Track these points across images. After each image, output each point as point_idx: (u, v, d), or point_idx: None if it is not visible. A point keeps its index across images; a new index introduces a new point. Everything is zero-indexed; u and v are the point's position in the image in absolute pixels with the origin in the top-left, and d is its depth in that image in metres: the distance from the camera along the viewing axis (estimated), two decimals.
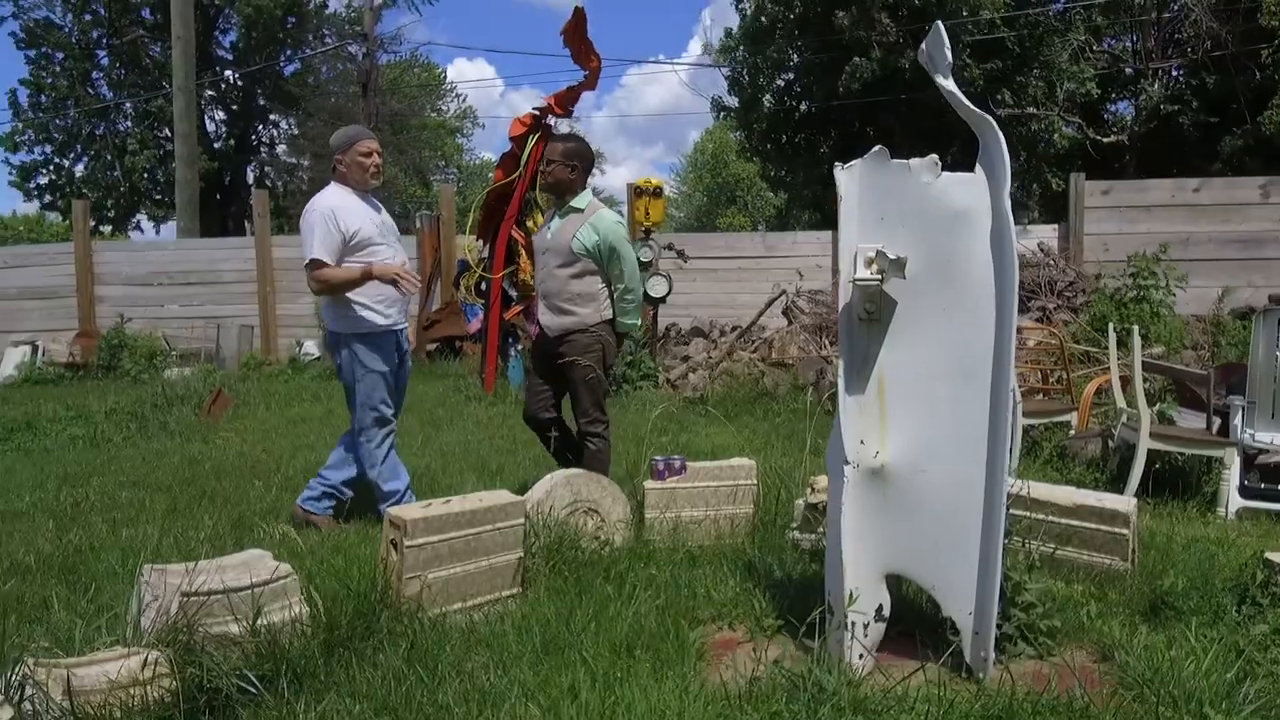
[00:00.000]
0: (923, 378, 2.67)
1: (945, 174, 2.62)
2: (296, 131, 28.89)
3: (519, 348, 8.98)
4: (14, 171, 27.34)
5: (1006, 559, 2.79)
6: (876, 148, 2.70)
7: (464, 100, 40.83)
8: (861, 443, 2.71)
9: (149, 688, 2.13)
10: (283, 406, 8.71)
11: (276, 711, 2.18)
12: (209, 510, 4.35)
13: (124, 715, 2.04)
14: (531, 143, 8.53)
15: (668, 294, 9.04)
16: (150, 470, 5.44)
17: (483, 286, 8.67)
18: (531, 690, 2.32)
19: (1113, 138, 14.61)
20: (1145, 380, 6.40)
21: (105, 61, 27.41)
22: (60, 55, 26.47)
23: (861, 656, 2.63)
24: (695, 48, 77.50)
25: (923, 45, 2.70)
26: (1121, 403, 5.08)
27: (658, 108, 69.63)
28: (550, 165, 4.24)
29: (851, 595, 2.64)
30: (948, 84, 2.65)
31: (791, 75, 16.51)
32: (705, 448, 5.95)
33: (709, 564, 3.41)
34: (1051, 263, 9.26)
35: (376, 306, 4.08)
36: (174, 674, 2.19)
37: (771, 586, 3.17)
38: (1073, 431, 5.43)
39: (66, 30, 26.79)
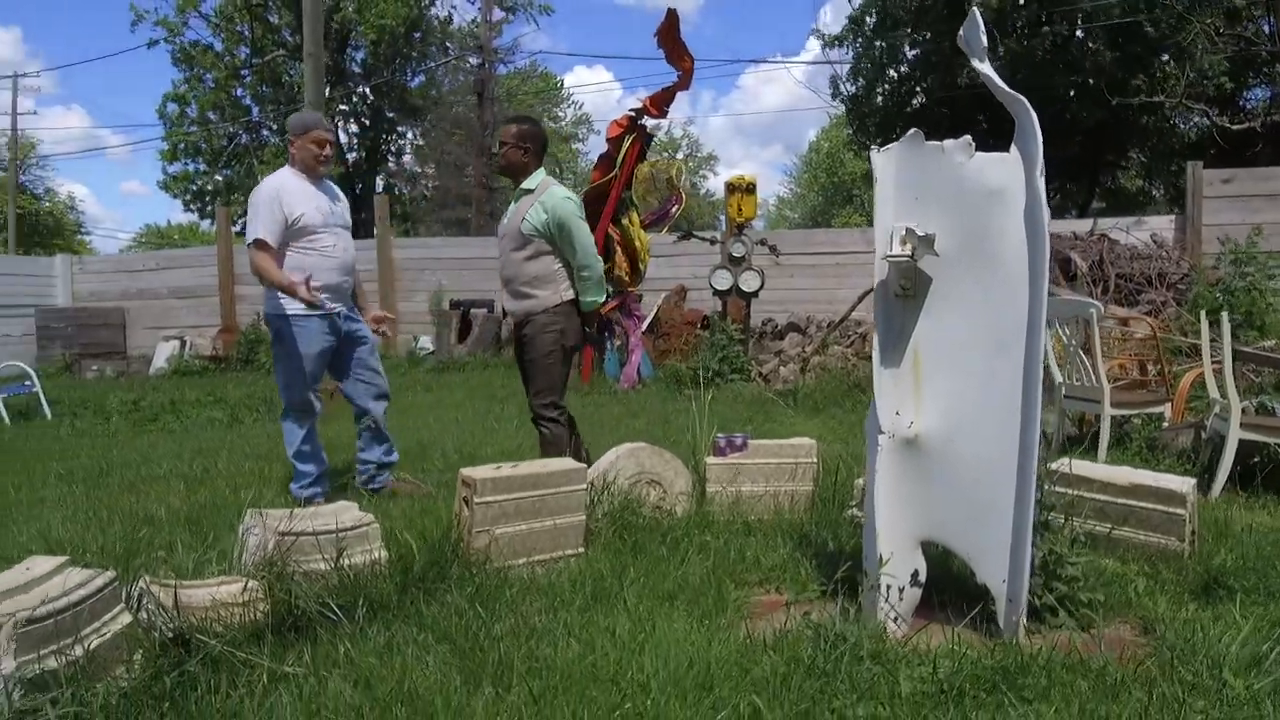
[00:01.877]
0: (957, 351, 2.76)
1: (979, 154, 2.71)
2: (420, 142, 30.26)
3: (615, 342, 9.28)
4: (170, 181, 29.77)
5: (1050, 534, 2.85)
6: (912, 130, 2.81)
7: (580, 107, 41.76)
8: (896, 413, 2.82)
9: (246, 608, 2.48)
10: (396, 395, 9.25)
11: (350, 634, 2.49)
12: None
13: (223, 629, 2.39)
14: (627, 143, 8.86)
15: (759, 289, 9.16)
16: (273, 446, 5.99)
17: None
18: (574, 628, 2.56)
19: (1244, 125, 13.76)
20: (1255, 373, 6.14)
21: (249, 78, 29.48)
22: (209, 75, 28.62)
23: (897, 620, 2.75)
24: (815, 45, 76.62)
25: (961, 30, 2.80)
26: (1215, 393, 4.91)
27: (775, 109, 69.21)
28: (502, 148, 4.12)
29: (883, 559, 2.76)
30: (983, 67, 2.74)
31: (905, 67, 16.28)
32: (786, 436, 6.05)
33: (764, 534, 3.57)
34: (1165, 254, 8.87)
35: (320, 291, 4.12)
36: (267, 598, 2.53)
37: (822, 556, 3.30)
38: (1166, 423, 5.28)
39: (216, 51, 28.96)
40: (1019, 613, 2.64)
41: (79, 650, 2.04)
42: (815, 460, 3.96)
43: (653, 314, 11.20)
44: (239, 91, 29.38)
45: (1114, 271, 8.57)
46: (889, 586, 2.77)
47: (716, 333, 8.96)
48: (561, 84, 39.56)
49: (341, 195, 4.52)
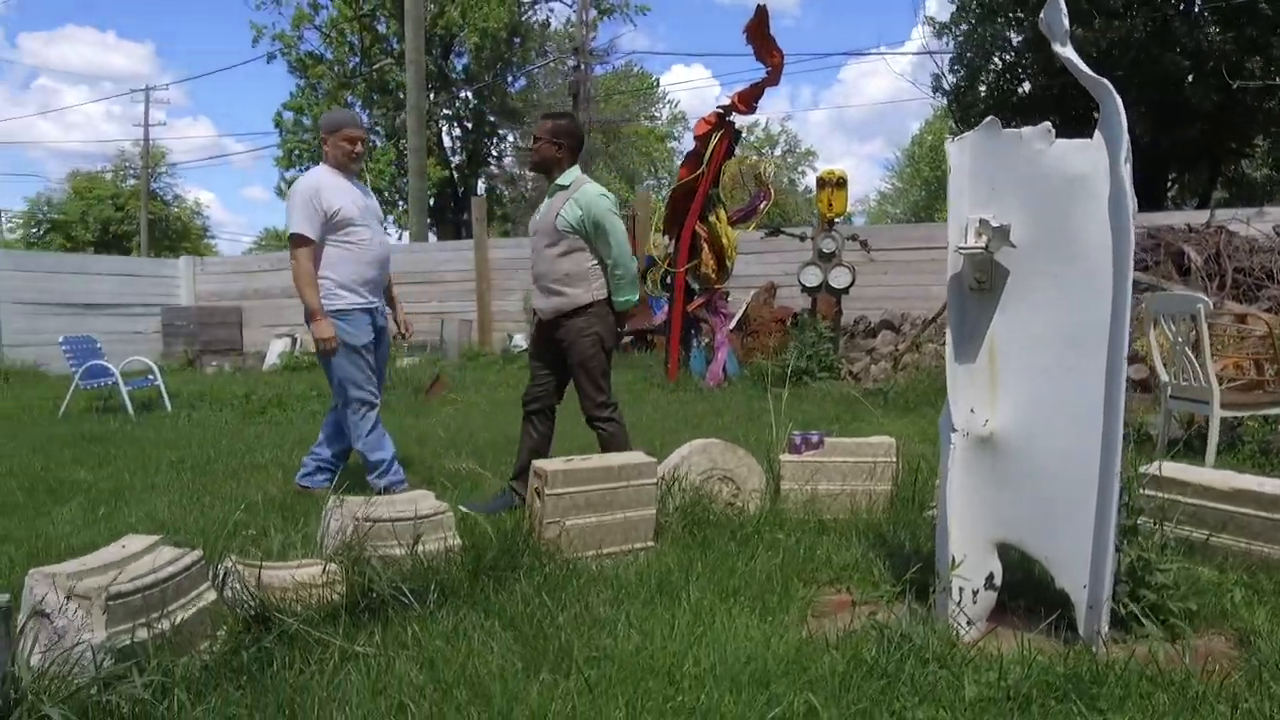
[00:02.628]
0: (1035, 347, 2.66)
1: (1059, 141, 2.60)
2: (521, 144, 30.87)
3: (701, 339, 9.28)
4: (287, 187, 31.23)
5: (1139, 539, 2.72)
6: (989, 118, 2.72)
7: (676, 105, 41.83)
8: (971, 411, 2.74)
9: (324, 590, 2.60)
10: (490, 391, 9.53)
11: (420, 617, 2.58)
12: (407, 470, 4.96)
13: (301, 608, 2.51)
14: (715, 140, 8.88)
15: (850, 285, 9.00)
16: None
17: (668, 280, 9.08)
18: (635, 620, 2.58)
19: None
20: None
21: (358, 85, 30.69)
22: (321, 84, 29.93)
23: (968, 623, 2.67)
24: (918, 35, 74.50)
25: (1041, 14, 2.69)
26: None
27: (877, 102, 67.69)
28: (536, 143, 4.04)
29: (955, 561, 2.68)
30: (1065, 51, 2.62)
31: (1010, 55, 15.69)
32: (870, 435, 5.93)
33: (838, 533, 3.51)
34: None
35: (351, 285, 4.23)
36: (344, 580, 2.64)
37: (897, 556, 3.23)
38: None
39: (328, 60, 30.25)
40: (1100, 621, 2.52)
41: (166, 624, 2.17)
42: (894, 459, 3.87)
43: (741, 311, 11.14)
44: (350, 98, 30.60)
45: (1231, 266, 8.05)
46: (961, 589, 2.69)
47: (805, 330, 8.84)
48: (657, 83, 39.73)
49: (371, 193, 4.58)
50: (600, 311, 3.97)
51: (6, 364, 11.86)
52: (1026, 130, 2.65)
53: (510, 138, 33.88)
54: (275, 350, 13.37)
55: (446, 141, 31.17)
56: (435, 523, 3.00)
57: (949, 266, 2.79)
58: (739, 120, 8.88)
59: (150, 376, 8.79)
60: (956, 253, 2.71)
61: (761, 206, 8.89)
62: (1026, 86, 15.31)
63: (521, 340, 12.71)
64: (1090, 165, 2.56)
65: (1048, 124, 2.63)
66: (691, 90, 66.10)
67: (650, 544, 3.39)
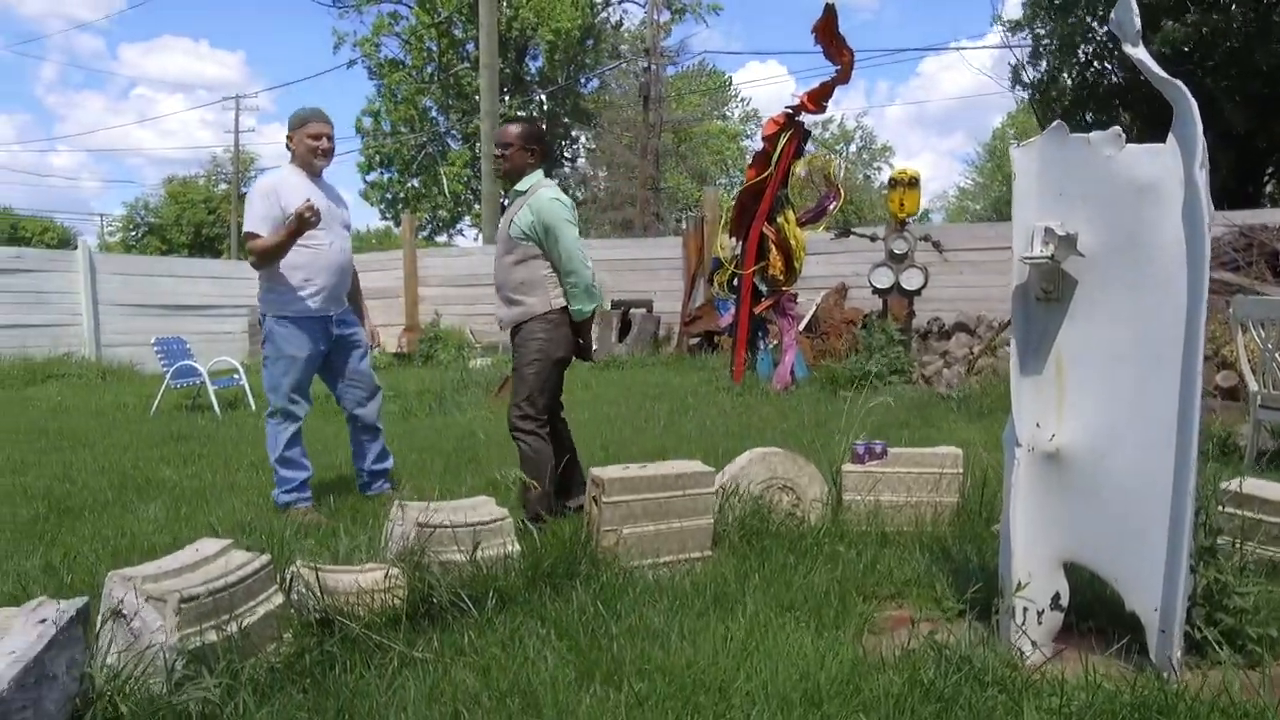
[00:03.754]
0: (1105, 359, 2.56)
1: (1130, 146, 2.50)
2: (592, 145, 31.14)
3: (768, 341, 9.20)
4: (369, 190, 32.18)
5: (1217, 560, 2.60)
6: (1055, 123, 2.64)
7: (748, 103, 41.55)
8: (1037, 425, 2.66)
9: (386, 594, 2.67)
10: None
11: (478, 624, 2.63)
12: (473, 472, 5.06)
13: (364, 612, 2.58)
14: (783, 141, 8.79)
15: (923, 287, 8.81)
16: (438, 439, 6.39)
17: (735, 282, 9.03)
18: (688, 633, 2.58)
19: None
20: None
21: (434, 88, 31.37)
22: (398, 90, 30.69)
23: (1032, 646, 2.59)
24: (998, 27, 72.39)
25: (1113, 13, 2.59)
26: None
27: (955, 96, 66.06)
28: (507, 150, 3.81)
29: (1019, 583, 2.61)
30: (1137, 52, 2.52)
31: (1094, 46, 15.11)
32: (946, 443, 5.80)
33: (901, 546, 3.44)
34: None
35: (304, 290, 4.11)
36: (406, 585, 2.71)
37: (961, 572, 3.15)
38: None
39: (406, 66, 30.99)
40: (1173, 646, 2.42)
41: (235, 626, 2.26)
42: (960, 471, 3.78)
43: (811, 313, 11.02)
44: (426, 103, 31.31)
45: None
46: (1025, 610, 2.62)
47: (875, 332, 8.68)
48: (730, 80, 39.52)
49: (343, 197, 4.44)
50: (556, 320, 3.79)
51: (104, 363, 12.49)
52: (1095, 135, 2.55)
53: (582, 138, 34.22)
54: None
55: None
56: (494, 529, 3.05)
57: (1014, 275, 2.71)
58: (808, 120, 8.77)
59: (235, 376, 9.15)
60: (1022, 262, 2.63)
61: (831, 207, 8.77)
62: (1113, 79, 14.72)
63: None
64: (1163, 171, 2.46)
65: (1117, 129, 2.54)
66: (764, 88, 65.65)
67: (707, 553, 3.39)
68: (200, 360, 9.06)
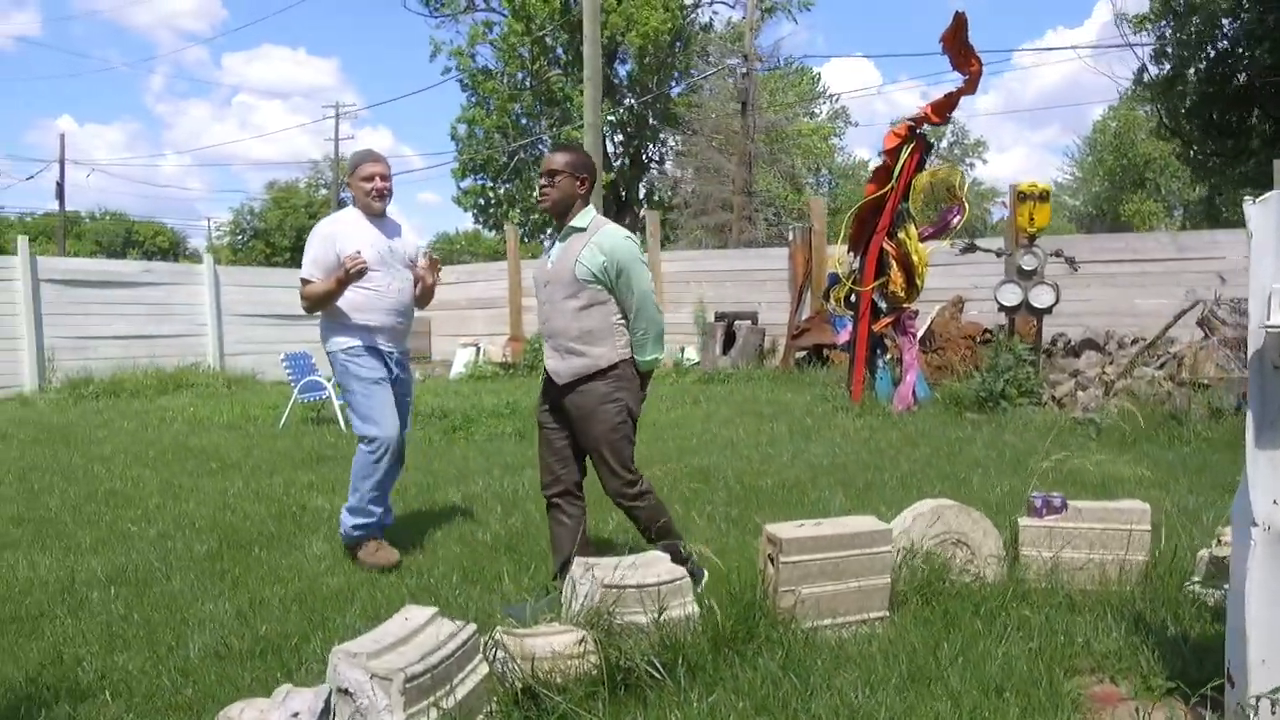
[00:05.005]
0: None
1: None
2: (681, 149, 31.07)
3: (887, 359, 8.97)
4: (462, 197, 32.82)
5: None
6: None
7: (836, 100, 40.83)
8: (1275, 502, 2.47)
9: (580, 660, 2.65)
10: (668, 408, 9.59)
11: (676, 698, 2.58)
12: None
13: (560, 679, 2.57)
14: (905, 154, 8.56)
15: (1054, 305, 8.46)
16: None
17: (852, 298, 8.83)
18: (898, 716, 2.48)
19: None
20: None
21: (526, 94, 31.78)
22: (491, 99, 31.18)
23: None
24: (1100, 14, 69.58)
25: None
26: None
27: (1051, 86, 63.75)
28: (555, 178, 3.42)
29: (1256, 675, 2.42)
30: None
31: (1225, 43, 14.32)
32: (1094, 478, 5.55)
33: (1090, 611, 3.27)
34: None
35: (364, 330, 4.09)
36: (599, 652, 2.69)
37: (1162, 643, 2.98)
38: None
39: (497, 74, 31.48)
40: None
41: (451, 700, 2.27)
42: (1148, 528, 3.57)
43: (925, 326, 10.72)
44: (517, 110, 31.73)
45: None
46: (1259, 702, 2.43)
47: (1002, 352, 8.37)
48: (819, 78, 38.92)
49: (408, 236, 4.35)
50: (626, 374, 3.42)
51: (228, 372, 13.03)
52: None
53: (670, 141, 34.18)
54: (461, 359, 14.02)
55: (609, 147, 31.79)
56: (676, 588, 3.00)
57: (1250, 341, 2.52)
58: (929, 132, 8.53)
59: None
60: (1260, 330, 2.44)
61: (955, 221, 8.49)
62: (1243, 77, 13.92)
63: (693, 353, 12.76)
64: None
65: None
66: (853, 86, 64.50)
67: (884, 614, 3.28)
68: (321, 373, 9.34)
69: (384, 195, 4.18)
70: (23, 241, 11.94)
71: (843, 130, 41.65)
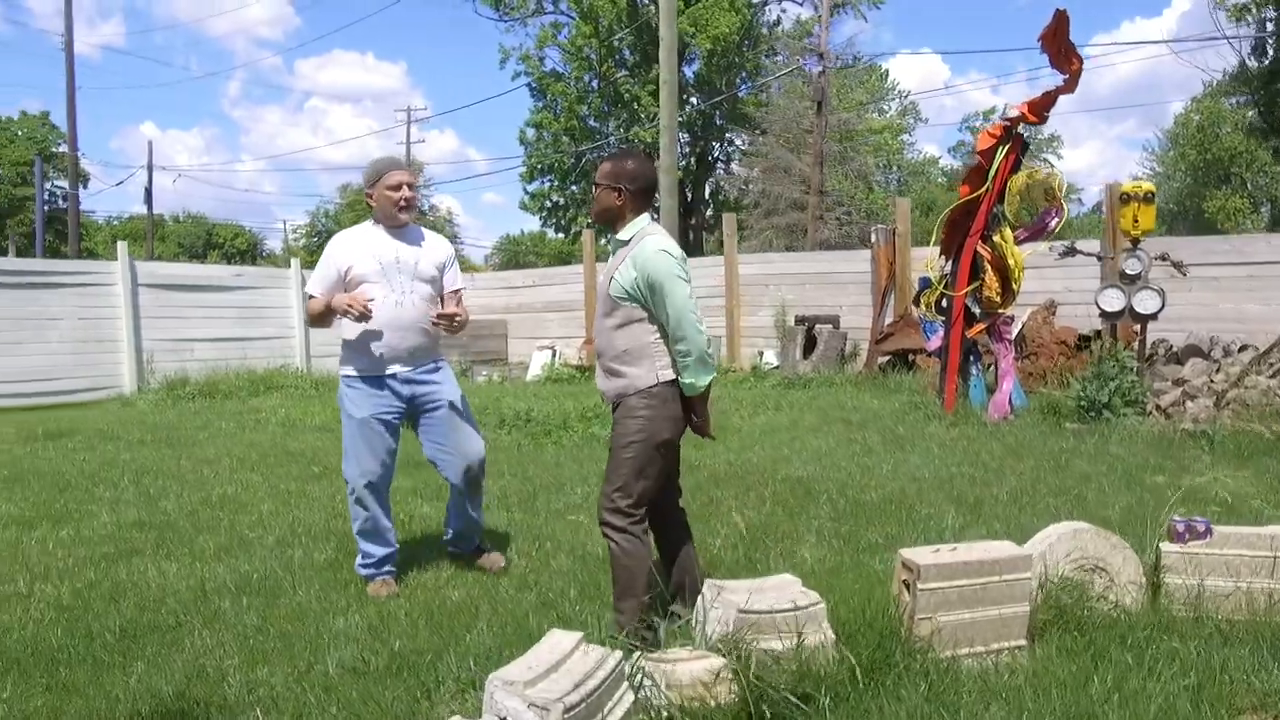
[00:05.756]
0: None
1: None
2: (748, 148, 30.89)
3: (980, 366, 8.73)
4: (529, 200, 33.18)
5: None
6: None
7: (906, 96, 40.10)
8: None
9: (720, 688, 2.61)
10: (749, 413, 9.49)
11: None
12: (722, 519, 4.97)
13: (703, 710, 2.53)
14: (1001, 155, 8.32)
15: (1159, 310, 8.14)
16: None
17: (943, 303, 8.62)
18: None
19: None
20: None
21: (593, 96, 31.94)
22: (558, 102, 31.44)
23: None
24: (1180, 3, 66.99)
25: None
26: None
27: (1127, 79, 61.57)
28: (595, 190, 3.31)
29: None
30: None
31: None
32: (1210, 494, 5.31)
33: (1243, 643, 3.11)
34: None
35: (360, 350, 3.86)
36: (738, 680, 2.64)
37: None
38: None
39: (565, 76, 31.71)
40: None
41: None
42: None
43: (1016, 330, 10.41)
44: (584, 112, 31.93)
45: None
46: None
47: (1105, 359, 8.07)
48: (887, 74, 38.30)
49: (433, 243, 4.06)
50: (662, 395, 3.19)
51: (314, 374, 13.34)
52: None
53: (737, 141, 34.01)
54: (538, 362, 14.12)
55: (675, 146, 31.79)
56: (811, 614, 2.94)
57: None
58: (1027, 132, 8.28)
59: None
60: None
61: (1053, 224, 8.22)
62: None
63: (773, 357, 12.63)
64: None
65: None
66: (920, 81, 63.22)
67: (1022, 643, 3.16)
68: None
69: (411, 205, 3.92)
70: (122, 247, 12.41)
71: (913, 126, 40.95)
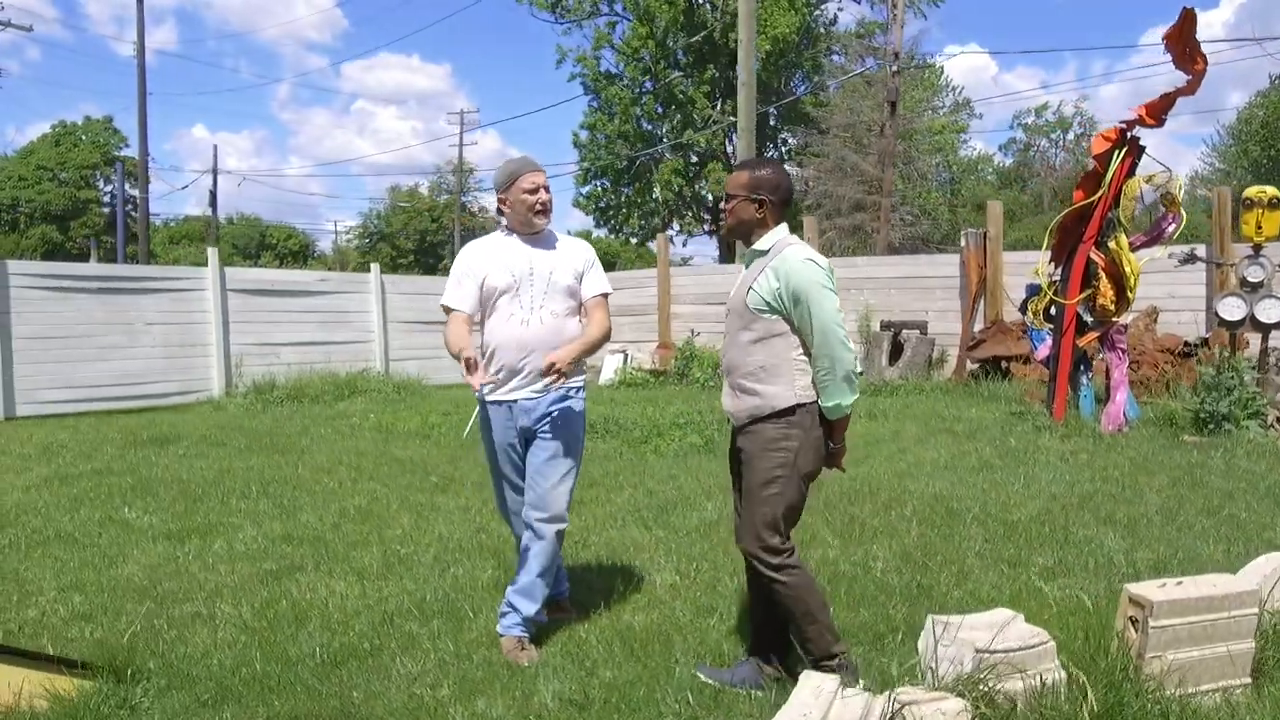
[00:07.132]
0: None
1: None
2: (808, 148, 30.61)
3: (1090, 375, 8.52)
4: (582, 201, 33.24)
5: None
6: None
7: (960, 92, 39.50)
8: None
9: None
10: None
11: None
12: (872, 539, 4.87)
13: None
14: (1117, 159, 8.11)
15: None
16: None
17: (1052, 311, 8.42)
18: None
19: None
20: None
21: (647, 97, 31.90)
22: (613, 104, 31.45)
23: None
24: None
25: None
26: None
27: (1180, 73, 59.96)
28: (730, 202, 3.11)
29: None
30: None
31: None
32: None
33: None
34: None
35: (490, 367, 3.52)
36: None
37: None
38: None
39: (619, 77, 31.71)
40: None
41: None
42: None
43: None
44: (637, 111, 31.90)
45: None
46: None
47: (1225, 370, 7.83)
48: (942, 70, 37.77)
49: (569, 249, 3.67)
50: (804, 421, 2.96)
51: (393, 378, 13.47)
52: None
53: (790, 140, 33.76)
54: (611, 366, 14.12)
55: (726, 148, 31.63)
56: (1042, 652, 2.85)
57: None
58: (1143, 135, 8.06)
59: None
60: None
61: (1170, 230, 7.99)
62: None
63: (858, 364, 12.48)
64: None
65: None
66: (968, 74, 62.18)
67: (1246, 681, 3.04)
68: None
69: (548, 209, 3.56)
70: (213, 253, 12.63)
71: (967, 122, 40.34)
